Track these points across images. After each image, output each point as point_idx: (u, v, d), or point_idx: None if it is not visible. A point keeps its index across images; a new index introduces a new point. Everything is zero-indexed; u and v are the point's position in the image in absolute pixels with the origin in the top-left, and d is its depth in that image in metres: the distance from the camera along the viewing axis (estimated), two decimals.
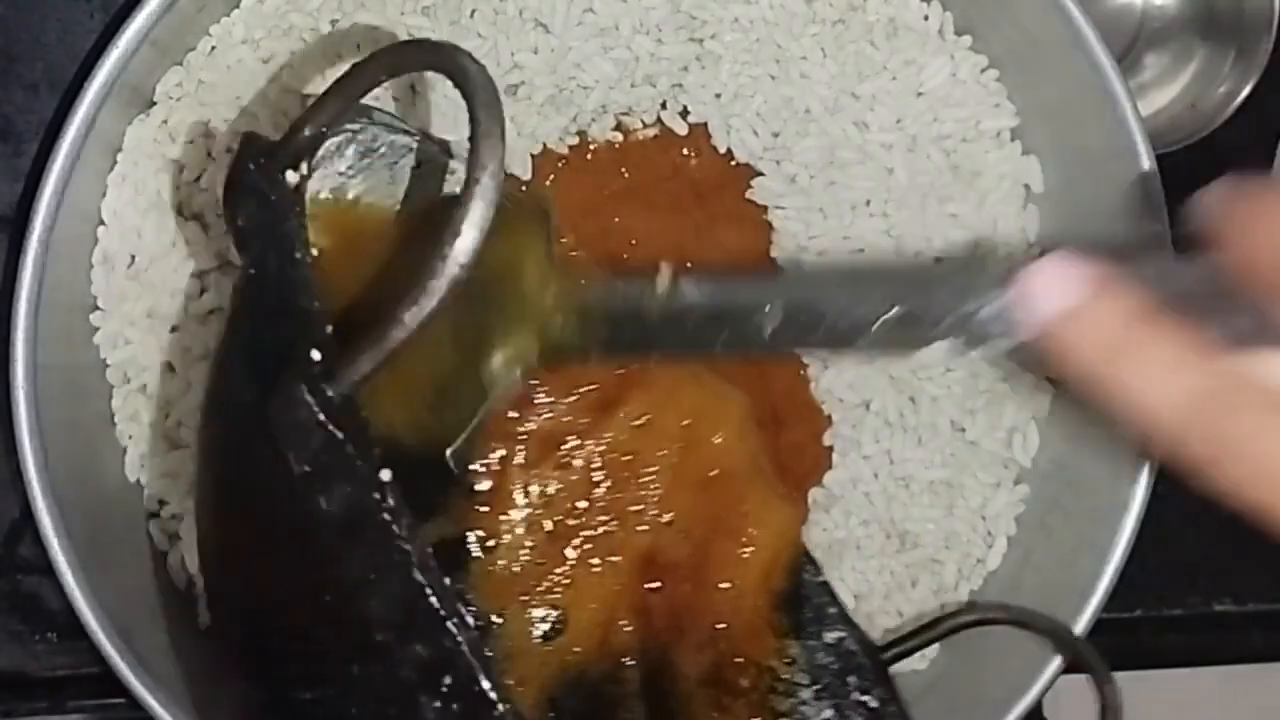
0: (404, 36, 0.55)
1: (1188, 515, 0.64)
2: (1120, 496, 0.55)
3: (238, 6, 0.55)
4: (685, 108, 0.57)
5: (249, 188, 0.44)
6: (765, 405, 0.57)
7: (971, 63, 0.58)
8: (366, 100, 0.45)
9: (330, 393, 0.39)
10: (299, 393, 0.39)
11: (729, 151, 0.57)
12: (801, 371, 0.58)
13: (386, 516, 0.38)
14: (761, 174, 0.57)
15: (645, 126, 0.57)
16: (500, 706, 0.38)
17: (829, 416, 0.58)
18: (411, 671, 0.38)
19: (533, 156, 0.56)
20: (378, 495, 0.38)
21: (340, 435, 0.38)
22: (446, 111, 0.55)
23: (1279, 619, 0.66)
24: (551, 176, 0.57)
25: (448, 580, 0.38)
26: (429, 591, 0.38)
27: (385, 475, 0.39)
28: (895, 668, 0.58)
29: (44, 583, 0.60)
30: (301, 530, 0.40)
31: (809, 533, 0.58)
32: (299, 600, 0.41)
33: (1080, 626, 0.55)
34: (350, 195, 0.48)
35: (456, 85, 0.40)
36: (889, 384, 0.58)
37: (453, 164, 0.50)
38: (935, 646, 0.58)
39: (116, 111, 0.54)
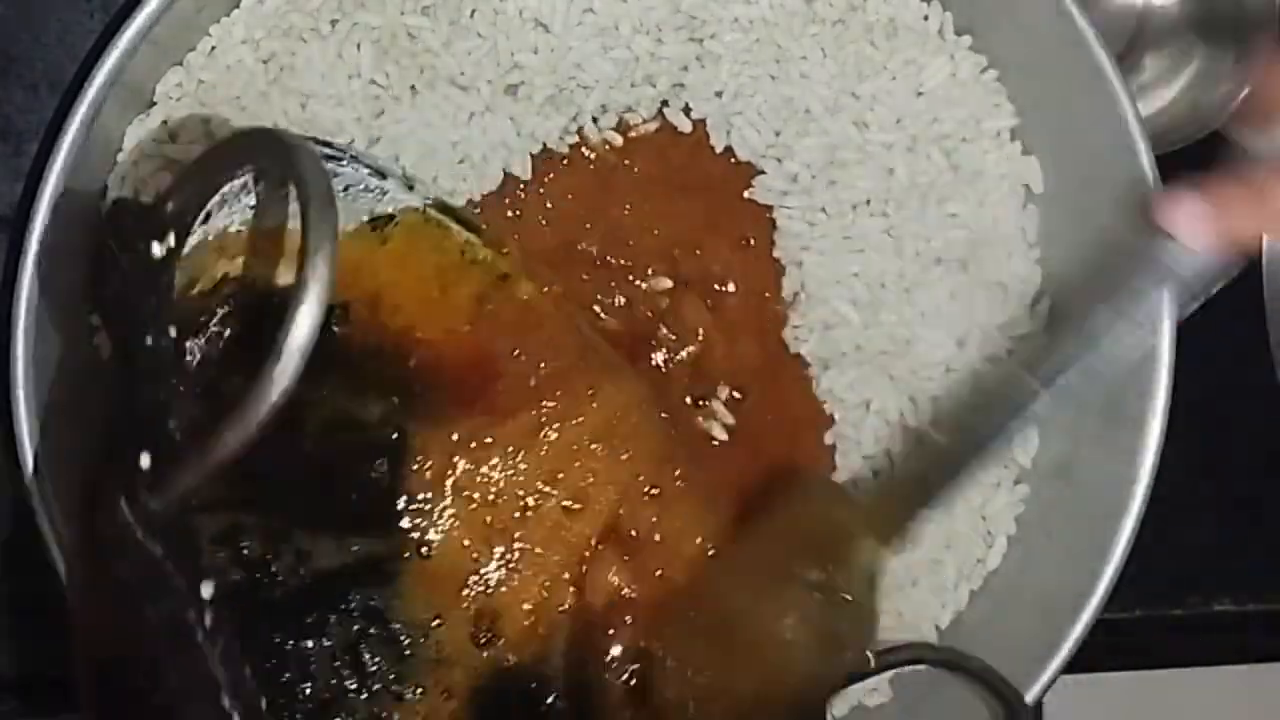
0: (405, 37, 0.55)
1: (1188, 515, 0.64)
2: (1120, 496, 0.55)
3: (238, 6, 0.55)
4: (687, 106, 0.57)
5: (112, 262, 0.43)
6: (766, 406, 0.58)
7: (971, 63, 0.58)
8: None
9: (152, 506, 0.38)
10: (119, 506, 0.38)
11: (729, 151, 0.57)
12: (803, 371, 0.58)
13: (200, 639, 0.38)
14: (763, 173, 0.57)
15: (645, 122, 0.57)
16: None
17: (830, 416, 0.58)
18: None
19: (532, 156, 0.56)
20: (194, 613, 0.38)
21: (158, 553, 0.38)
22: None
23: (1279, 619, 0.66)
24: (551, 176, 0.57)
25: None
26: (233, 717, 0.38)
27: (206, 592, 0.38)
28: (895, 668, 0.59)
29: (44, 583, 0.59)
30: (139, 629, 0.40)
31: None
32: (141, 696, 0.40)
33: (1080, 627, 0.55)
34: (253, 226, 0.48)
35: (295, 186, 0.40)
36: (889, 384, 0.58)
37: (383, 184, 0.51)
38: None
39: (116, 111, 0.54)
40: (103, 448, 0.41)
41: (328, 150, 0.50)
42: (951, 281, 0.58)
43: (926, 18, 0.58)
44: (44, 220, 0.51)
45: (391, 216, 0.50)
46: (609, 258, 0.57)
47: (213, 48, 0.55)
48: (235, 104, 0.55)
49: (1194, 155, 0.62)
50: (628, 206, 0.57)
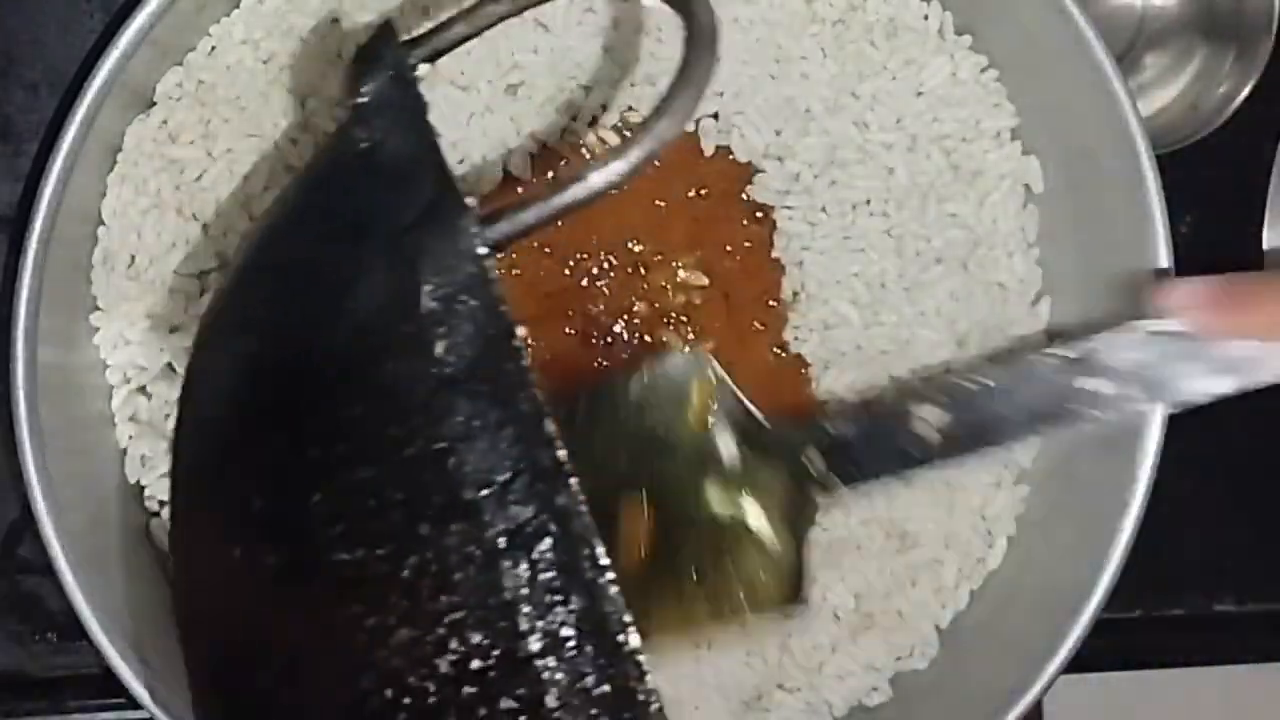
0: (403, 36, 0.55)
1: (1188, 515, 0.64)
2: (1120, 496, 0.55)
3: (238, 6, 0.55)
4: None
5: (384, 65, 0.42)
6: (766, 407, 0.58)
7: (971, 63, 0.58)
8: None
9: (490, 234, 0.37)
10: (461, 224, 0.37)
11: (730, 150, 0.57)
12: (803, 371, 0.58)
13: (523, 365, 0.36)
14: (763, 172, 0.57)
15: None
16: (609, 576, 0.35)
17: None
18: (501, 535, 0.36)
19: (532, 156, 0.56)
20: (516, 343, 0.36)
21: (492, 276, 0.37)
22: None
23: (1279, 619, 0.66)
24: (551, 175, 0.57)
25: None
26: (556, 445, 0.36)
27: (521, 331, 0.37)
28: (895, 667, 0.59)
29: (44, 583, 0.60)
30: (397, 375, 0.37)
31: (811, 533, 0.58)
32: (354, 455, 0.38)
33: (1080, 627, 0.55)
34: None
35: (677, 9, 0.41)
36: (889, 384, 0.58)
37: None
38: (935, 646, 0.58)
39: (116, 111, 0.54)
40: (397, 206, 0.39)
41: None
42: (951, 281, 0.58)
43: (926, 18, 0.58)
44: (44, 220, 0.51)
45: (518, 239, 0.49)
46: (609, 258, 0.57)
47: (213, 48, 0.55)
48: (235, 104, 0.55)
49: (1194, 155, 0.63)
50: (629, 206, 0.57)
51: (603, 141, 0.57)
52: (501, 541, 0.36)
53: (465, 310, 0.37)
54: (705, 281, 0.57)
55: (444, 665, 0.36)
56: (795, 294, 0.58)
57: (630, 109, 0.57)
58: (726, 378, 0.50)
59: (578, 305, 0.57)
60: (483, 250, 0.37)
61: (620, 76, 0.56)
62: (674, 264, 0.57)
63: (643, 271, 0.57)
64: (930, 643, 0.59)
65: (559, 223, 0.39)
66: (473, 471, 0.36)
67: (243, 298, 0.42)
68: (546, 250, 0.57)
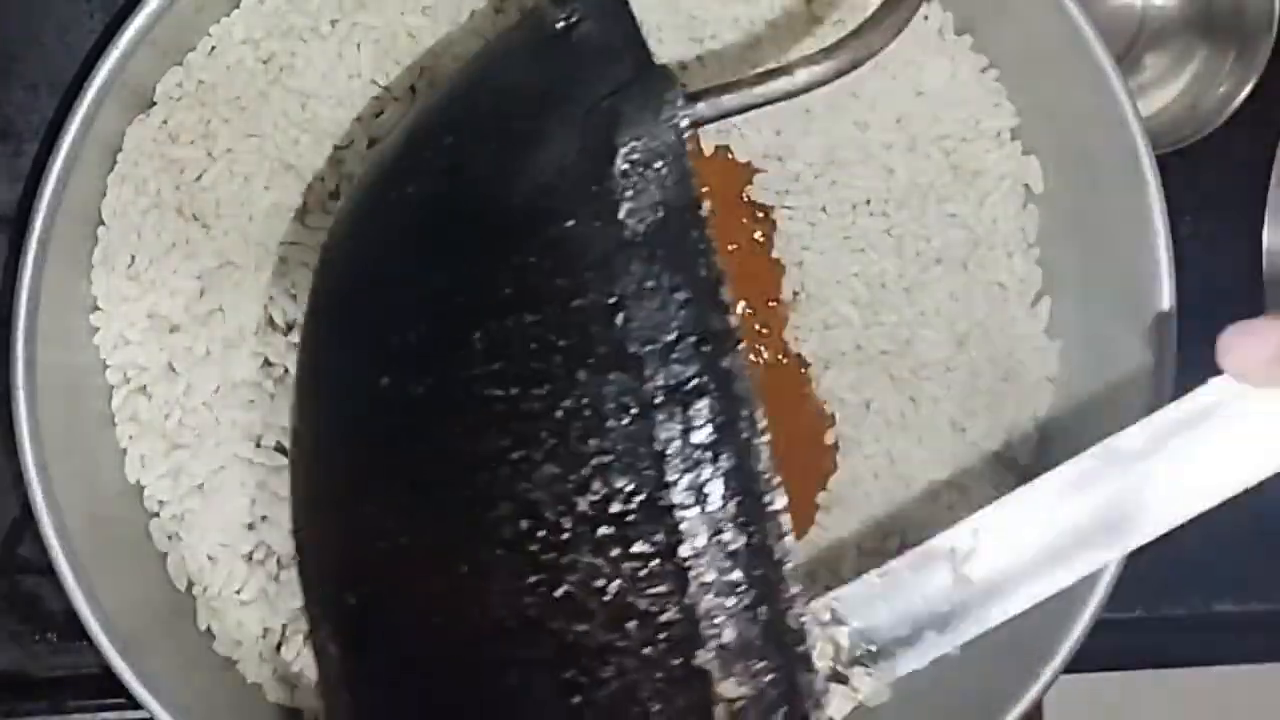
0: (405, 37, 0.55)
1: None
2: None
3: (238, 6, 0.55)
4: None
5: None
6: (766, 407, 0.58)
7: (971, 63, 0.58)
8: None
9: (692, 109, 0.39)
10: (664, 94, 0.38)
11: (730, 150, 0.57)
12: (803, 371, 0.58)
13: (708, 235, 0.37)
14: (763, 172, 0.57)
15: None
16: (763, 437, 0.37)
17: (831, 416, 0.58)
18: (660, 390, 0.37)
19: None
20: (700, 214, 0.38)
21: (685, 149, 0.38)
22: None
23: (1279, 619, 0.66)
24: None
25: None
26: (728, 312, 0.37)
27: (706, 205, 0.38)
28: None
29: (44, 583, 0.60)
30: (577, 227, 0.39)
31: (811, 533, 0.58)
32: (523, 300, 0.39)
33: (1080, 627, 0.55)
34: None
35: None
36: (890, 384, 0.58)
37: None
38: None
39: (116, 111, 0.54)
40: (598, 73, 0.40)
41: None
42: (951, 281, 0.58)
43: (926, 18, 0.58)
44: (44, 220, 0.51)
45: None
46: None
47: (213, 48, 0.55)
48: (235, 104, 0.55)
49: (1194, 155, 0.63)
50: None
51: None
52: (659, 396, 0.37)
53: (656, 176, 0.38)
54: None
55: (583, 504, 0.37)
56: (795, 294, 0.58)
57: None
58: None
59: None
60: (684, 122, 0.38)
61: None
62: None
63: None
64: None
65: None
66: (640, 328, 0.37)
67: (416, 147, 0.43)
68: None
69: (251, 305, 0.55)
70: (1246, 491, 0.65)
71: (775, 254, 0.57)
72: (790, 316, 0.58)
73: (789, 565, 0.37)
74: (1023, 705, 0.55)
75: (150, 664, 0.53)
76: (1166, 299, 0.54)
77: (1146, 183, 0.54)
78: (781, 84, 0.39)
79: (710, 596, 0.37)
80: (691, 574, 0.37)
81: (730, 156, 0.57)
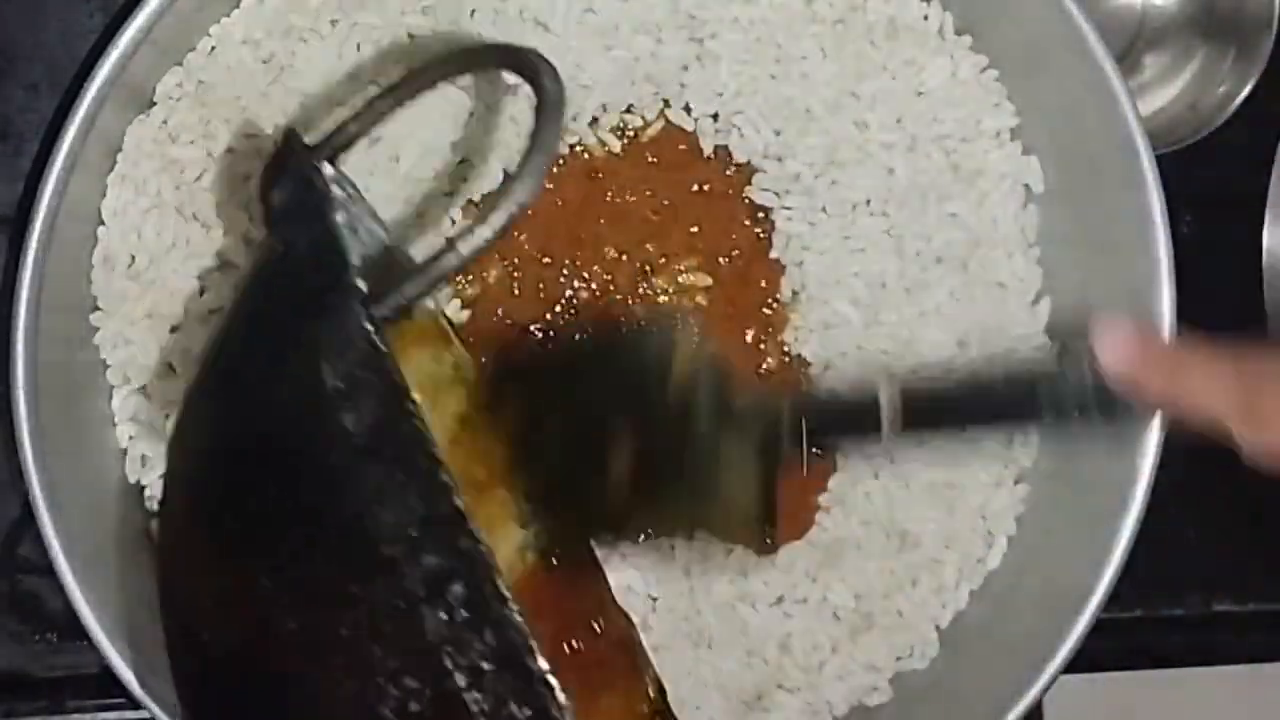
0: (404, 37, 0.55)
1: (1188, 515, 0.64)
2: (1120, 497, 0.55)
3: (238, 6, 0.55)
4: (687, 105, 0.57)
5: (291, 173, 0.46)
6: None
7: (971, 63, 0.58)
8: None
9: (376, 312, 0.41)
10: (348, 306, 0.41)
11: (729, 150, 0.57)
12: (803, 371, 0.58)
13: (418, 426, 0.40)
14: (763, 173, 0.57)
15: (647, 125, 0.57)
16: (511, 606, 0.38)
17: None
18: (418, 584, 0.39)
19: None
20: (410, 406, 0.40)
21: (383, 349, 0.40)
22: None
23: (1279, 619, 0.66)
24: (551, 174, 0.57)
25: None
26: (453, 493, 0.39)
27: (416, 396, 0.40)
28: (895, 667, 0.59)
29: (44, 583, 0.60)
30: (315, 456, 0.41)
31: (811, 533, 0.58)
32: (296, 531, 0.41)
33: (1080, 627, 0.55)
34: None
35: (527, 80, 0.44)
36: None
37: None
38: (935, 646, 0.59)
39: (116, 111, 0.54)
40: (307, 294, 0.43)
41: (380, 221, 0.51)
42: (951, 281, 0.58)
43: (926, 18, 0.58)
44: (44, 220, 0.51)
45: (410, 311, 0.51)
46: (609, 258, 0.57)
47: (213, 48, 0.55)
48: (235, 104, 0.55)
49: (1194, 155, 0.63)
50: (628, 205, 0.57)
51: (603, 143, 0.57)
52: (420, 590, 0.39)
53: (364, 383, 0.40)
54: (709, 282, 0.57)
55: (387, 711, 0.40)
56: (795, 294, 0.57)
57: (630, 108, 0.57)
58: (708, 344, 0.52)
59: (583, 311, 0.57)
60: (370, 327, 0.41)
61: (620, 76, 0.56)
62: (677, 266, 0.57)
63: (647, 270, 0.57)
64: (930, 643, 0.59)
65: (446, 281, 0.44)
66: (387, 529, 0.39)
67: (200, 397, 0.47)
68: (546, 260, 0.57)
69: None
70: (1247, 491, 0.66)
71: (775, 254, 0.57)
72: (790, 316, 0.58)
73: None
74: (1023, 705, 0.55)
75: (150, 664, 0.53)
76: (1166, 299, 0.54)
77: (1146, 183, 0.54)
78: (450, 260, 0.41)
79: None
80: None
81: (730, 157, 0.57)
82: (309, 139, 0.48)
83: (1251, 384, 0.44)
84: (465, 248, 0.41)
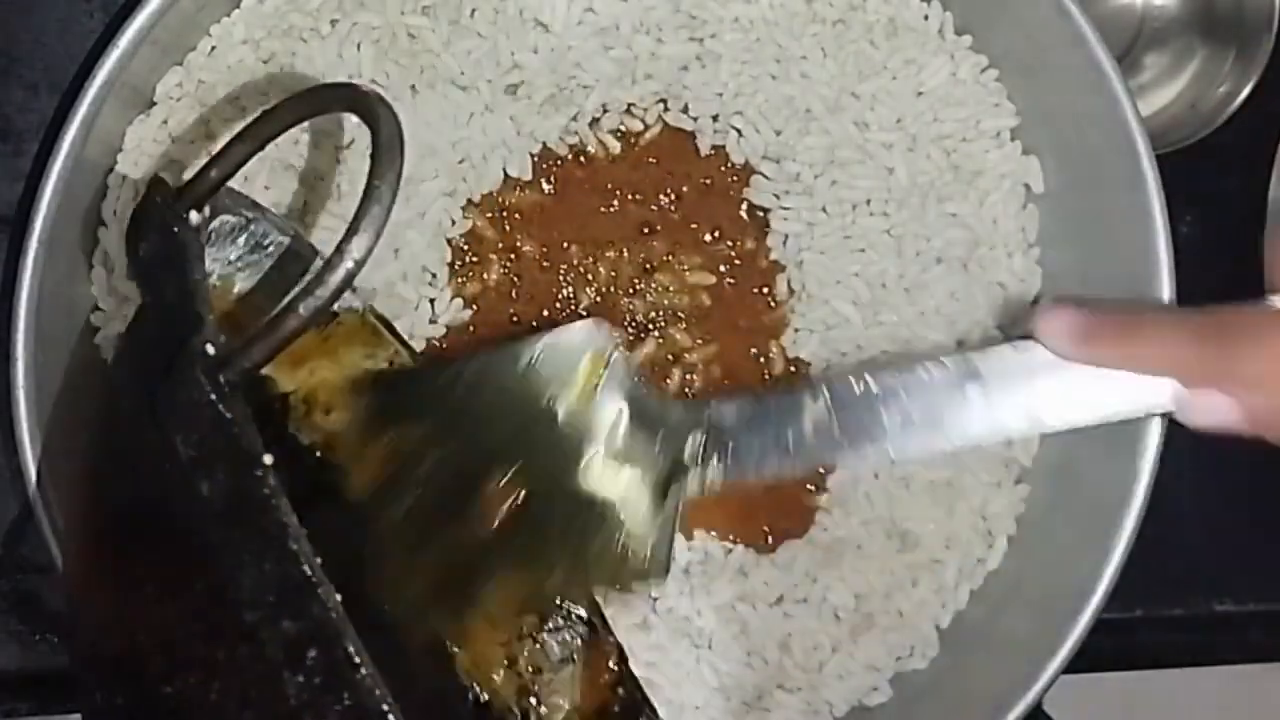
0: (404, 36, 0.55)
1: (1188, 515, 0.64)
2: (1120, 496, 0.55)
3: (238, 6, 0.55)
4: (686, 105, 0.57)
5: (154, 224, 0.46)
6: None
7: (971, 63, 0.58)
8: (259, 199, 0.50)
9: (222, 378, 0.41)
10: (192, 374, 0.41)
11: (729, 151, 0.57)
12: (803, 372, 0.58)
13: (266, 493, 0.40)
14: (761, 173, 0.57)
15: (646, 127, 0.57)
16: (363, 670, 0.39)
17: None
18: (278, 649, 0.39)
19: (532, 156, 0.56)
20: (259, 473, 0.40)
21: (228, 416, 0.40)
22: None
23: (1279, 619, 0.66)
24: (551, 174, 0.57)
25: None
26: (302, 560, 0.39)
27: (268, 459, 0.40)
28: (895, 667, 0.59)
29: (44, 583, 0.60)
30: (181, 523, 0.42)
31: (811, 533, 0.58)
32: (168, 596, 0.42)
33: (1080, 627, 0.55)
34: (235, 289, 0.51)
35: (367, 124, 0.42)
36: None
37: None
38: (935, 646, 0.59)
39: (116, 111, 0.54)
40: (160, 356, 0.43)
41: (288, 226, 0.52)
42: (951, 281, 0.58)
43: (926, 18, 0.58)
44: (44, 220, 0.51)
45: (334, 314, 0.52)
46: (609, 257, 0.57)
47: (213, 48, 0.55)
48: (235, 104, 0.55)
49: (1194, 155, 0.63)
50: (627, 205, 0.57)
51: (602, 144, 0.57)
52: (279, 654, 0.39)
53: (214, 448, 0.41)
54: (712, 280, 0.57)
55: None
56: (795, 294, 0.58)
57: (630, 109, 0.57)
58: (620, 348, 0.51)
59: (584, 311, 0.57)
60: (213, 396, 0.41)
61: (620, 76, 0.56)
62: (679, 264, 0.57)
63: (648, 268, 0.57)
64: (930, 643, 0.59)
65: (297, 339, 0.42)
66: (248, 596, 0.40)
67: (83, 465, 0.48)
68: (546, 261, 0.57)
69: None
70: (1246, 491, 0.65)
71: (775, 254, 0.57)
72: (790, 317, 0.58)
73: None
74: (1023, 705, 0.55)
75: None
76: (1166, 299, 0.54)
77: (1146, 183, 0.54)
78: (291, 323, 0.41)
79: None
80: None
81: (729, 157, 0.57)
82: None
83: (1206, 331, 0.46)
84: (305, 309, 0.40)
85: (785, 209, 0.57)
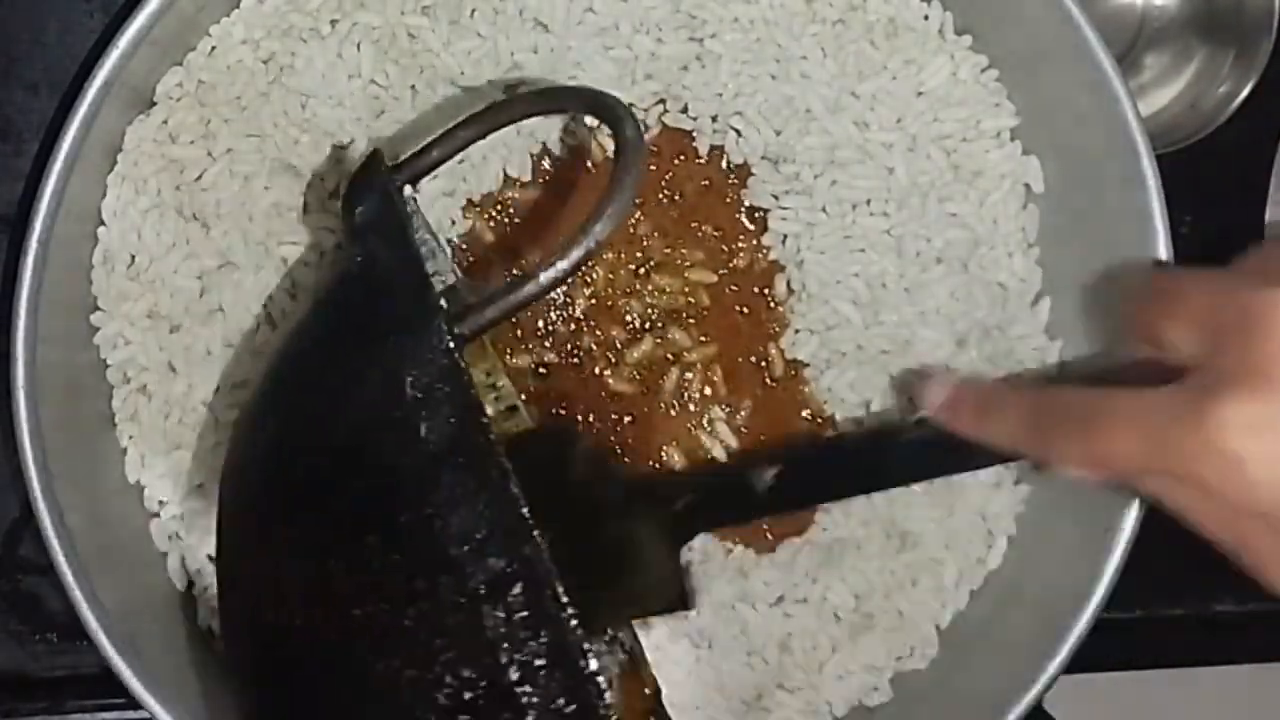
0: (404, 36, 0.55)
1: None
2: (1120, 496, 0.55)
3: (238, 6, 0.55)
4: (686, 105, 0.57)
5: (374, 189, 0.49)
6: (766, 409, 0.58)
7: (971, 63, 0.58)
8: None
9: (457, 329, 0.44)
10: (434, 324, 0.43)
11: (729, 151, 0.57)
12: (803, 372, 0.58)
13: (490, 439, 0.42)
14: (762, 173, 0.57)
15: (646, 128, 0.57)
16: (569, 610, 0.41)
17: (831, 416, 0.58)
18: (481, 584, 0.42)
19: (532, 156, 0.57)
20: (485, 420, 0.42)
21: (462, 365, 0.43)
22: None
23: (1279, 619, 0.66)
24: (551, 174, 0.57)
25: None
26: (521, 504, 0.41)
27: (489, 409, 0.42)
28: (895, 667, 0.59)
29: (44, 583, 0.60)
30: (389, 460, 0.44)
31: (811, 533, 0.58)
32: (368, 523, 0.44)
33: (1080, 627, 0.55)
34: None
35: (609, 126, 0.46)
36: (889, 384, 0.58)
37: None
38: (935, 646, 0.59)
39: (116, 111, 0.54)
40: (386, 312, 0.46)
41: (454, 269, 0.55)
42: (951, 281, 0.58)
43: (926, 18, 0.58)
44: (44, 220, 0.51)
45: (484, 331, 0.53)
46: (609, 258, 0.57)
47: (213, 48, 0.55)
48: (235, 104, 0.55)
49: (1194, 155, 0.63)
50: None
51: (602, 145, 0.57)
52: (482, 589, 0.42)
53: (441, 396, 0.43)
54: (713, 279, 0.57)
55: (442, 698, 0.42)
56: (795, 294, 0.58)
57: (630, 109, 0.57)
58: (589, 447, 0.56)
59: (586, 312, 0.57)
60: (450, 345, 0.43)
61: (620, 76, 0.56)
62: (679, 263, 0.57)
63: (649, 267, 0.57)
64: (930, 643, 0.59)
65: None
66: (456, 532, 0.42)
67: (270, 402, 0.49)
68: None
69: (251, 305, 0.55)
70: None
71: (774, 254, 0.57)
72: (790, 317, 0.58)
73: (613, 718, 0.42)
74: (1023, 705, 0.55)
75: (150, 664, 0.53)
76: None
77: (1146, 183, 0.54)
78: (529, 289, 0.44)
79: None
80: None
81: (729, 157, 0.57)
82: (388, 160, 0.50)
83: (1040, 412, 0.50)
84: (545, 277, 0.43)
85: (785, 209, 0.57)
